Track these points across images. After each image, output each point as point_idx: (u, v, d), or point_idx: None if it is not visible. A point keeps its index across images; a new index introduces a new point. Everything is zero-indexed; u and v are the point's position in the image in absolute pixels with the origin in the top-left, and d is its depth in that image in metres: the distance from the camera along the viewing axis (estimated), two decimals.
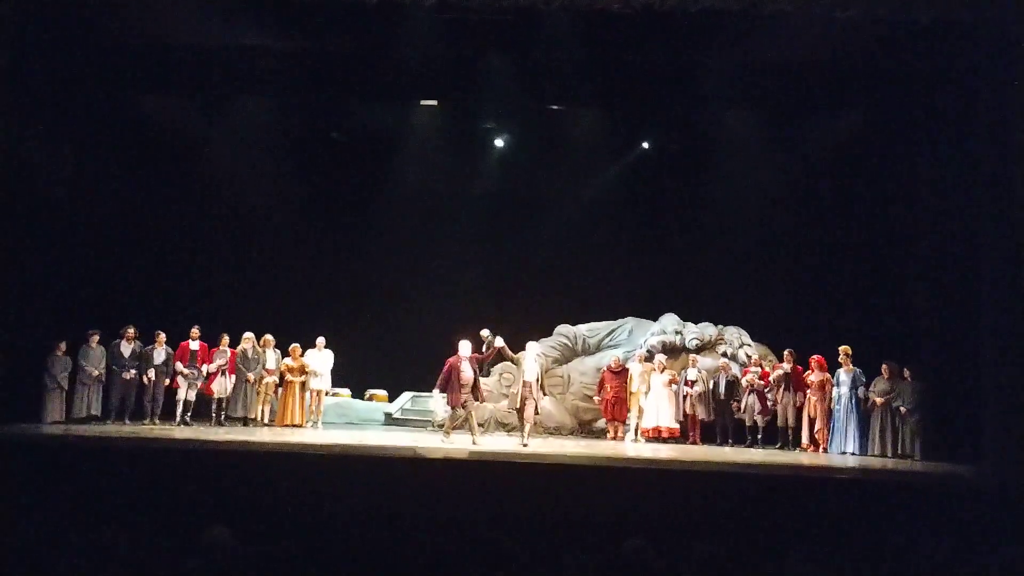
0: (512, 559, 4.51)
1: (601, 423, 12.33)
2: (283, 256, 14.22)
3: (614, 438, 11.95)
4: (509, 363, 12.82)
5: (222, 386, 11.57)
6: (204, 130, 13.39)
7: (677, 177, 14.27)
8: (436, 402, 11.88)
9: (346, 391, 13.27)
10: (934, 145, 11.38)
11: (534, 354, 10.92)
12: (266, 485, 7.90)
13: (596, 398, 12.14)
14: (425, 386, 12.17)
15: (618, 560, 4.29)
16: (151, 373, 11.34)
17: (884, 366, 11.12)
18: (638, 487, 8.24)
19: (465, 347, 10.54)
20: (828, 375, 11.31)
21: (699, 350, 12.72)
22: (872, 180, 12.77)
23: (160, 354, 11.46)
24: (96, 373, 11.17)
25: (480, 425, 12.26)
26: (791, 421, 11.50)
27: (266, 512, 6.94)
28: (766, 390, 11.69)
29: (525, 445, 10.41)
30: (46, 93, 10.99)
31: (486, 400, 12.46)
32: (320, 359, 11.95)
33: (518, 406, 10.70)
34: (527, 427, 10.67)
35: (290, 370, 11.79)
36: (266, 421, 11.82)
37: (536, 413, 10.93)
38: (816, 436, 11.31)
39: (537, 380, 10.66)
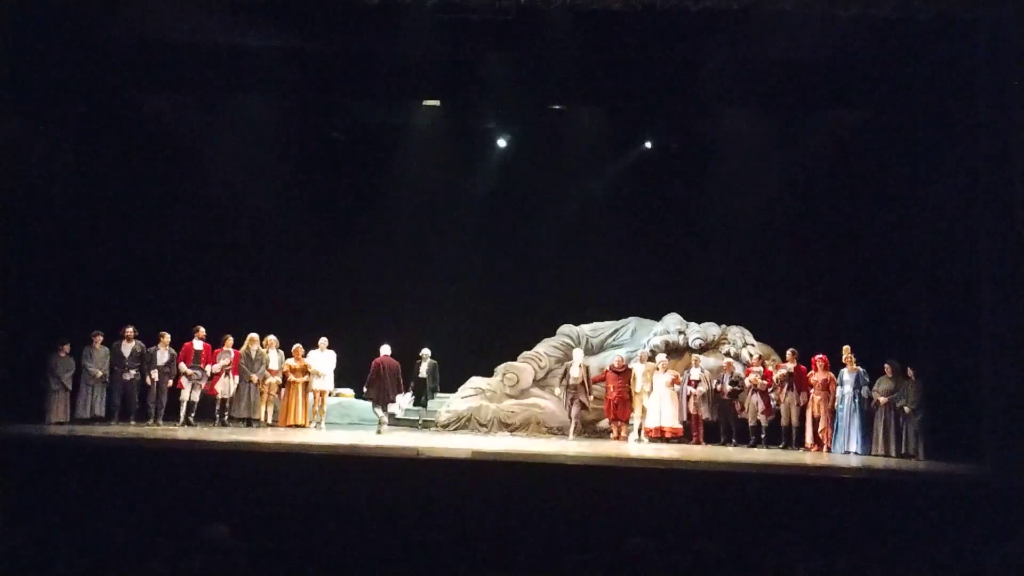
0: (514, 558, 4.52)
1: (604, 423, 12.32)
2: (286, 257, 14.21)
3: (617, 438, 11.94)
4: (513, 363, 12.89)
5: (226, 387, 11.58)
6: (206, 130, 13.37)
7: (679, 176, 14.23)
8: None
9: (349, 391, 13.26)
10: (935, 143, 11.36)
11: (579, 359, 12.11)
12: (269, 485, 7.92)
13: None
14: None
15: (621, 559, 4.29)
16: (154, 374, 11.36)
17: (887, 365, 11.09)
18: (641, 487, 8.24)
19: (385, 348, 11.71)
20: (831, 374, 11.27)
21: (702, 350, 12.69)
22: (874, 178, 12.74)
23: (164, 355, 11.46)
24: (100, 374, 11.18)
25: (483, 425, 12.37)
26: (795, 421, 11.47)
27: (270, 512, 6.95)
28: (769, 390, 11.67)
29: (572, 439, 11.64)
30: (49, 93, 11.01)
31: (489, 400, 12.56)
32: (323, 359, 11.96)
33: (567, 405, 12.00)
34: (573, 424, 11.93)
35: (293, 370, 11.80)
36: (269, 422, 11.82)
37: (584, 409, 12.11)
38: (820, 436, 11.28)
39: (582, 382, 11.91)
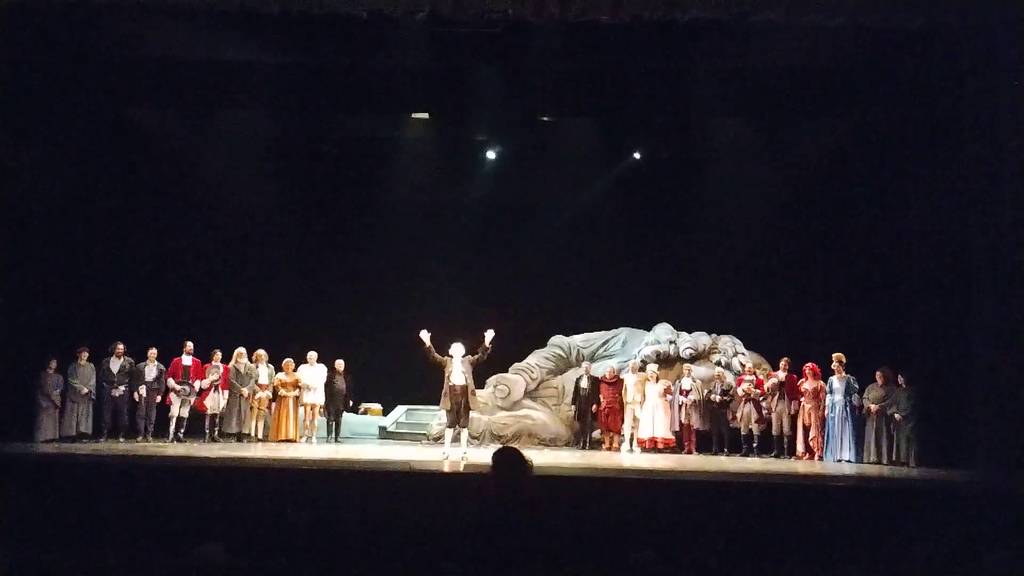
0: (509, 571, 4.49)
1: (596, 434, 12.31)
2: (275, 270, 14.18)
3: (609, 448, 11.93)
4: (504, 375, 12.86)
5: (215, 402, 11.53)
6: (197, 144, 13.35)
7: (669, 186, 14.29)
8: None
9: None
10: (926, 152, 11.43)
11: (588, 370, 12.45)
12: (261, 501, 7.84)
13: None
14: (419, 399, 12.14)
15: (616, 571, 4.27)
16: (143, 390, 11.28)
17: (878, 373, 11.12)
18: (634, 497, 8.21)
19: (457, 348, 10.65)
20: (822, 383, 11.31)
21: (693, 359, 12.72)
22: (864, 187, 12.81)
23: (152, 370, 11.40)
24: (85, 391, 11.08)
25: (475, 438, 12.29)
26: (786, 429, 11.50)
27: (261, 528, 6.89)
28: (761, 399, 11.69)
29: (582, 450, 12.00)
30: (38, 107, 10.98)
31: (480, 412, 12.50)
32: (313, 374, 11.91)
33: (576, 418, 12.34)
34: (587, 436, 12.21)
35: (283, 385, 11.75)
36: (260, 436, 11.76)
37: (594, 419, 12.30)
38: (811, 444, 11.31)
39: (590, 393, 12.16)
